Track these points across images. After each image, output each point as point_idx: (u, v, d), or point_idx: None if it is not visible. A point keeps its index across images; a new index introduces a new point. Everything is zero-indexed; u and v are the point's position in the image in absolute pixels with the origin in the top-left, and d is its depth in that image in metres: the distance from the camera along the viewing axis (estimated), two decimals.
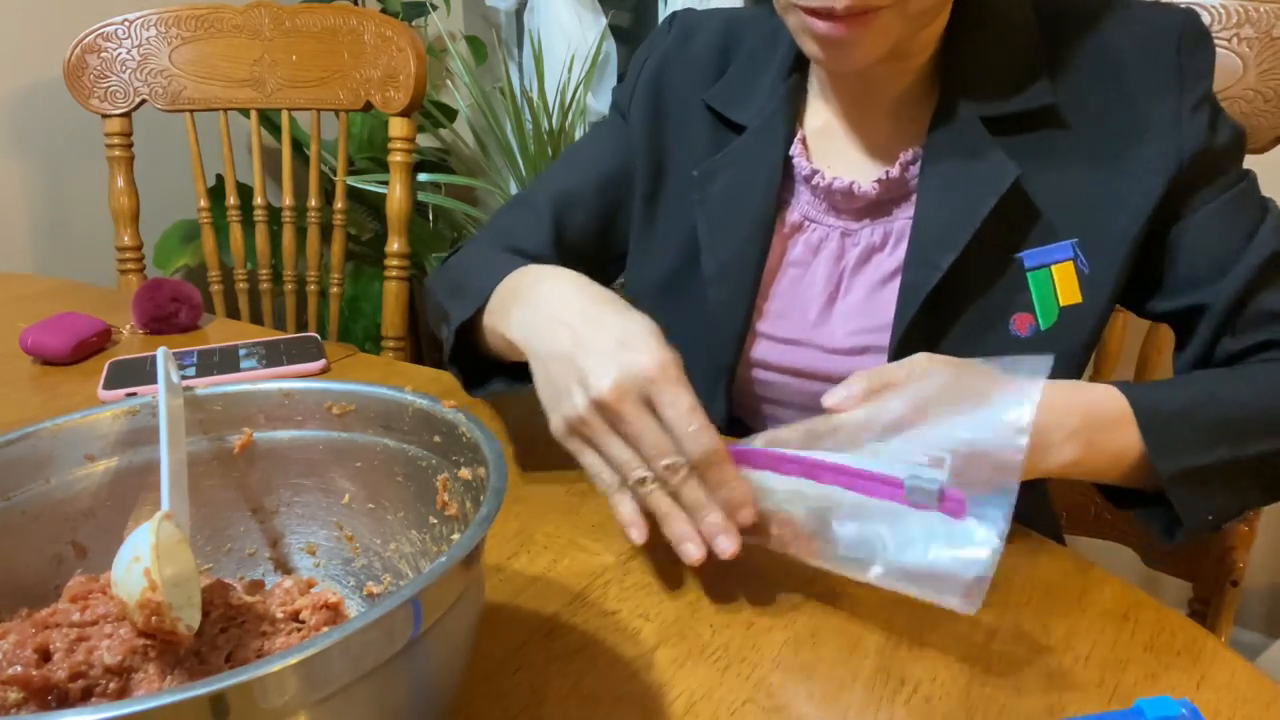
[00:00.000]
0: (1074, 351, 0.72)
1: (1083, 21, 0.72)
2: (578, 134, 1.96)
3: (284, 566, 0.54)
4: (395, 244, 1.37)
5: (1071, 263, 0.71)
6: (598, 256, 0.91)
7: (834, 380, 0.76)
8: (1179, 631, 0.56)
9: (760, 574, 0.60)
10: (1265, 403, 0.65)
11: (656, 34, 0.89)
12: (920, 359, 0.61)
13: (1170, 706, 0.46)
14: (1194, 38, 0.70)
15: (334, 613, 0.45)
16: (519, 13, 2.25)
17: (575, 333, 0.58)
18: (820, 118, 0.79)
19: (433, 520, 0.50)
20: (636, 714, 0.50)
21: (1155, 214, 0.70)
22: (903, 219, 0.75)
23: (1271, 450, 0.63)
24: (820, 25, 0.64)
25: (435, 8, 2.10)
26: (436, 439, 0.49)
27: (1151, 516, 0.66)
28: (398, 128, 1.33)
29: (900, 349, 0.71)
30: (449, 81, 2.17)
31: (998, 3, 0.72)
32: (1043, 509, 0.91)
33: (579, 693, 0.51)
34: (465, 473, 0.47)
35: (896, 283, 0.74)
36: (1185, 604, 1.06)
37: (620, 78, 2.10)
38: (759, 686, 0.51)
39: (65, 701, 0.39)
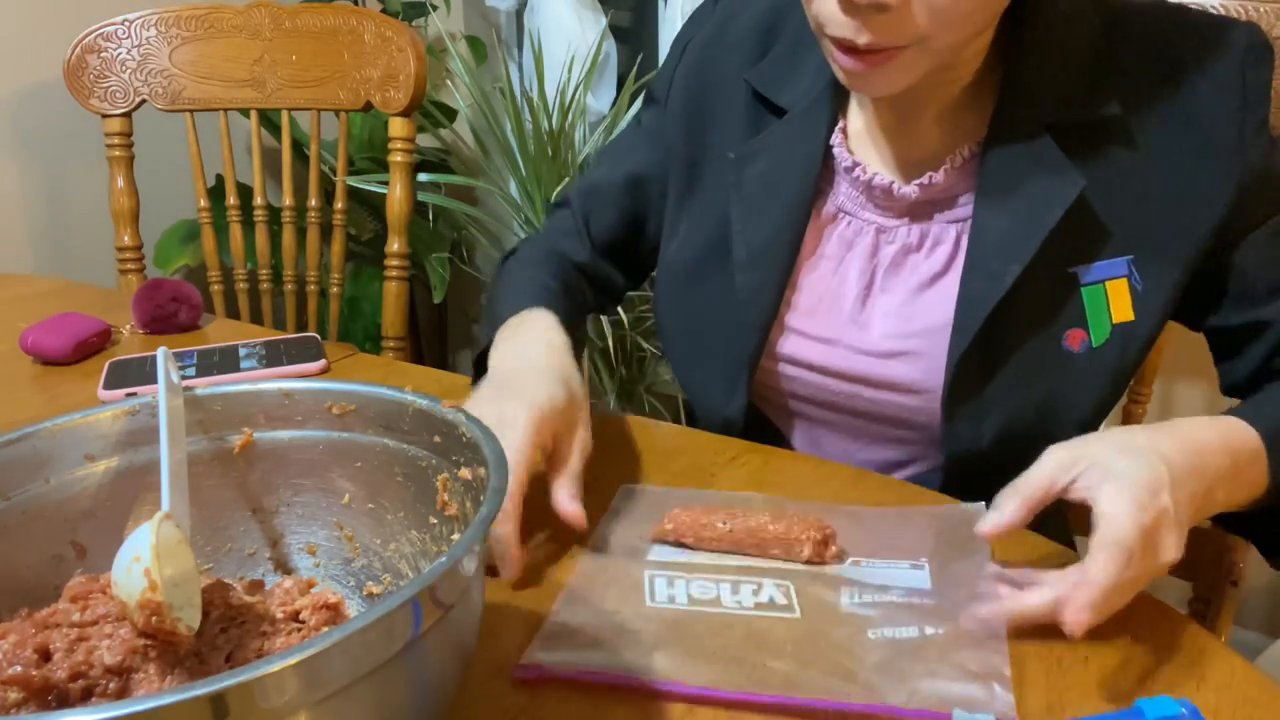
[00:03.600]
0: (1124, 368, 0.71)
1: (1148, 34, 0.70)
2: (578, 134, 1.96)
3: (284, 566, 0.54)
4: (395, 244, 1.37)
5: (1126, 280, 0.70)
6: (630, 251, 0.91)
7: (865, 382, 0.76)
8: (1179, 631, 0.56)
9: None
10: None
11: (700, 12, 0.87)
12: (1064, 458, 0.57)
13: (1170, 706, 0.46)
14: (1258, 54, 0.68)
15: (334, 613, 0.45)
16: (519, 13, 2.25)
17: (490, 390, 0.67)
18: (862, 116, 0.77)
19: (433, 520, 0.50)
20: (636, 714, 0.50)
21: (1214, 235, 0.69)
22: (941, 223, 0.73)
23: None
24: (844, 59, 0.64)
25: (435, 8, 2.10)
26: (436, 439, 0.49)
27: (1254, 537, 0.66)
28: (398, 128, 1.33)
29: (962, 363, 0.70)
30: (449, 81, 2.17)
31: (1064, 11, 0.70)
32: (1053, 513, 0.90)
33: (579, 693, 0.51)
34: (465, 473, 0.47)
35: (936, 288, 0.73)
36: (1185, 604, 1.06)
37: (620, 78, 2.10)
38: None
39: (65, 701, 0.39)
